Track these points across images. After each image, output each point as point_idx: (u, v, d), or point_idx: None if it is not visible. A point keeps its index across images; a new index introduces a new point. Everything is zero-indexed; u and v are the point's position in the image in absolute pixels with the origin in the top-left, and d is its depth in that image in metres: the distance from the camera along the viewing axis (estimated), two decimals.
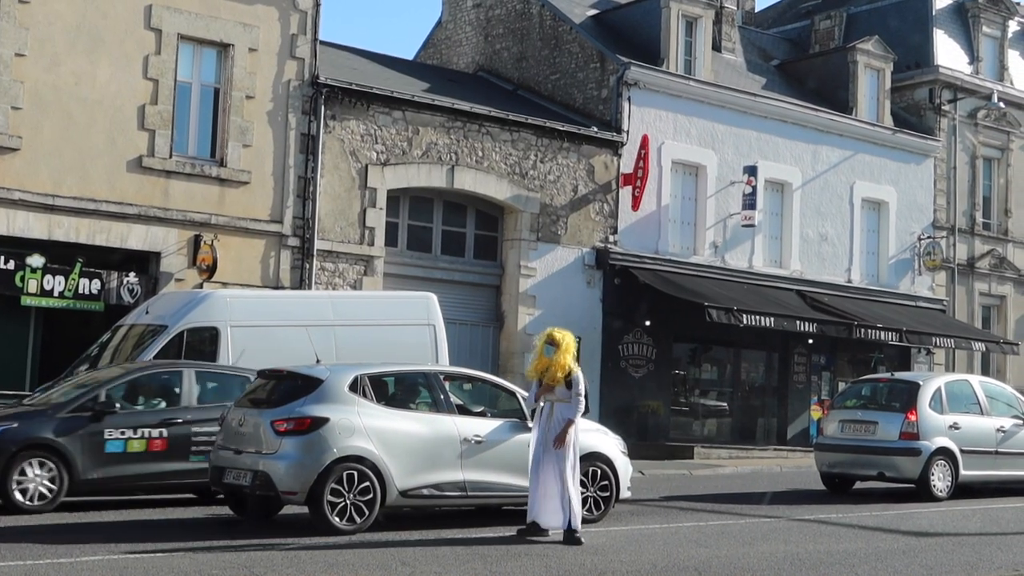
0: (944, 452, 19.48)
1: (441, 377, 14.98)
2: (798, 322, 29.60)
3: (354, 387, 13.86)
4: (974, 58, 37.54)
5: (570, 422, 13.18)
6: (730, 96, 31.59)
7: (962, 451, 19.63)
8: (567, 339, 13.33)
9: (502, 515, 14.78)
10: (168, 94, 23.20)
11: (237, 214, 23.80)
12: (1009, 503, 19.26)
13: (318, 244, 24.68)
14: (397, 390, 14.84)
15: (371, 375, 14.22)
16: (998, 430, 20.32)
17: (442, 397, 14.57)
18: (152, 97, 23.01)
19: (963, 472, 19.64)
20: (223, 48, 23.99)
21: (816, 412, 30.71)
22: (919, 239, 35.22)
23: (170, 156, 23.18)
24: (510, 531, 13.64)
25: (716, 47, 33.30)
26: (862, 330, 30.54)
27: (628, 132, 29.45)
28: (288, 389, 14.08)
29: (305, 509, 13.68)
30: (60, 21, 22.14)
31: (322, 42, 25.62)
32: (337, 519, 13.26)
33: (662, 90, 30.28)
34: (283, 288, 23.83)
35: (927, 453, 19.29)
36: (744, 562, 12.18)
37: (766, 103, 32.38)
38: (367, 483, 13.43)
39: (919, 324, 32.69)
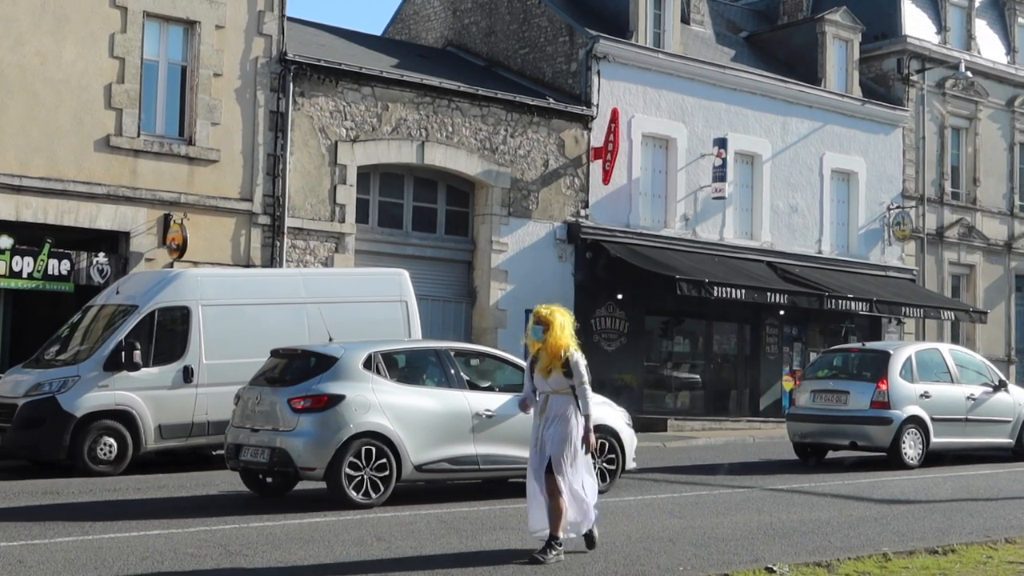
0: (915, 420, 19.64)
1: (452, 353, 15.22)
2: (769, 293, 29.69)
3: (368, 364, 14.18)
4: (942, 28, 37.67)
5: (588, 419, 10.83)
6: (699, 68, 31.59)
7: (933, 419, 19.80)
8: (558, 316, 10.94)
9: (509, 488, 14.89)
10: (135, 72, 23.04)
11: (207, 193, 23.68)
12: (979, 470, 19.46)
13: (289, 222, 24.58)
14: (409, 367, 15.13)
15: (384, 352, 14.56)
16: (968, 398, 20.49)
17: (453, 373, 14.81)
18: (119, 76, 22.84)
19: (934, 440, 19.82)
20: (189, 25, 23.82)
21: (788, 383, 30.85)
22: (888, 209, 35.36)
23: (138, 135, 23.03)
24: (494, 505, 13.82)
25: (685, 19, 33.27)
26: (833, 300, 30.68)
27: (598, 106, 29.42)
28: (303, 367, 14.44)
29: (316, 485, 14.00)
30: (24, 0, 21.93)
31: (289, 18, 25.50)
32: (355, 493, 13.58)
33: (631, 63, 30.26)
34: (254, 266, 23.74)
35: (898, 422, 19.44)
36: (718, 532, 12.26)
37: (735, 75, 32.40)
38: (383, 458, 13.77)
39: (889, 294, 32.87)
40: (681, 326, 32.42)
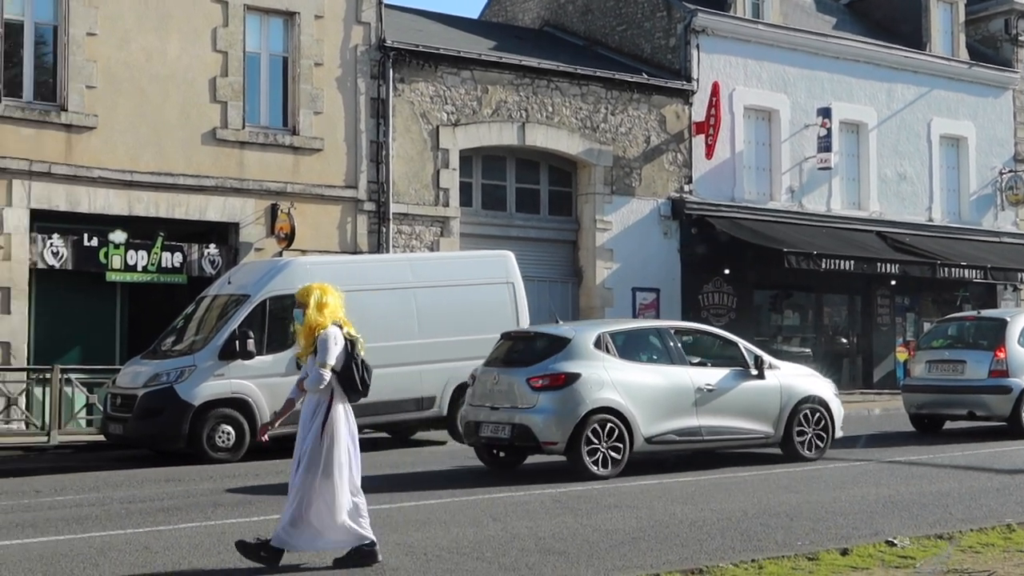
0: None
1: (672, 331, 15.99)
2: (879, 264, 29.24)
3: (598, 344, 14.99)
4: None
5: (285, 407, 9.67)
6: (800, 38, 31.15)
7: None
8: (315, 294, 9.47)
9: (725, 458, 15.94)
10: (238, 65, 23.36)
11: (312, 181, 23.96)
12: None
13: (393, 208, 24.77)
14: (635, 345, 15.66)
15: (612, 332, 15.35)
16: None
17: (674, 349, 15.57)
18: (222, 69, 23.18)
19: None
20: (289, 16, 24.08)
21: (902, 354, 30.33)
22: (1000, 174, 34.58)
23: (243, 127, 23.36)
24: (674, 479, 14.21)
25: None
26: (946, 269, 30.12)
27: (698, 80, 29.17)
28: (537, 348, 15.36)
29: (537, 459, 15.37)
30: None
31: (387, 5, 25.63)
32: (594, 466, 14.38)
33: (731, 35, 29.93)
34: (361, 253, 23.97)
35: (1017, 390, 19.03)
36: (836, 506, 12.11)
37: (837, 43, 31.88)
38: (617, 432, 14.54)
39: (1004, 260, 32.16)
40: (790, 299, 32.05)
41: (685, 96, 29.03)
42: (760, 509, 11.97)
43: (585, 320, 15.95)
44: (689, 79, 29.11)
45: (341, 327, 9.47)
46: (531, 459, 15.70)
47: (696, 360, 15.77)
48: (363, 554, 9.37)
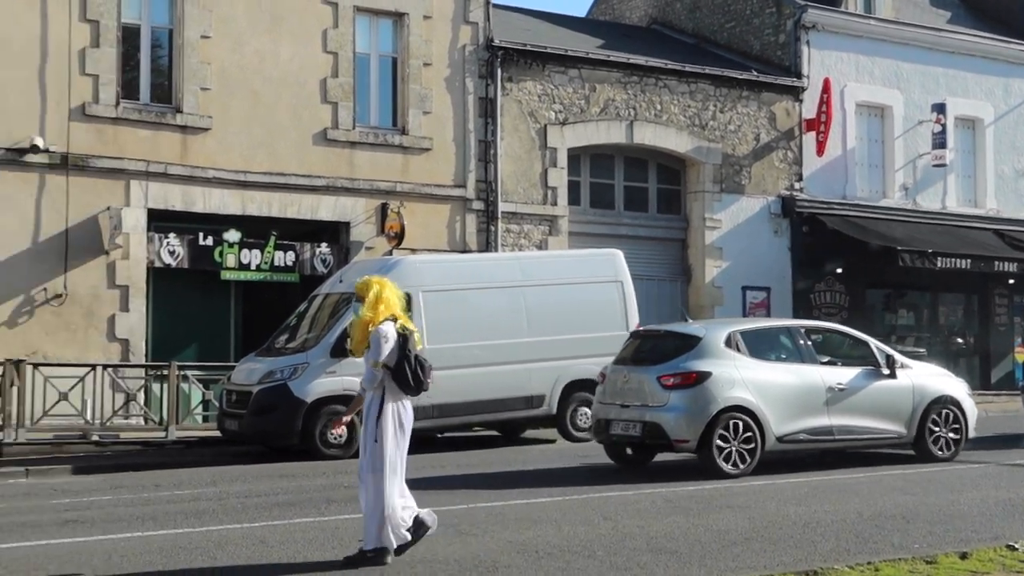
0: None
1: (803, 330, 15.94)
2: (997, 262, 28.65)
3: (728, 342, 15.01)
4: None
5: (358, 398, 9.64)
6: (913, 33, 30.61)
7: None
8: (373, 288, 9.47)
9: (863, 458, 15.78)
10: (348, 66, 23.61)
11: (421, 180, 24.13)
12: None
13: (502, 206, 24.85)
14: (765, 344, 15.66)
15: (742, 331, 15.35)
16: None
17: (804, 348, 15.53)
18: (333, 70, 23.45)
19: None
20: (398, 17, 24.28)
21: (1020, 355, 29.63)
22: None
23: (353, 127, 23.60)
24: (786, 479, 14.08)
25: None
26: None
27: (808, 76, 28.81)
28: (667, 347, 15.39)
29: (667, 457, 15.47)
30: (241, 2, 22.71)
31: (494, 5, 25.72)
32: (725, 464, 14.43)
33: (841, 31, 29.51)
34: (470, 251, 24.08)
35: None
36: (954, 509, 11.87)
37: (952, 38, 31.27)
38: (749, 431, 14.55)
39: None
40: (904, 298, 31.48)
41: (795, 93, 28.69)
42: (875, 511, 11.77)
43: (714, 319, 15.82)
44: (799, 76, 28.76)
45: (395, 321, 9.40)
46: (658, 457, 15.81)
47: (826, 359, 15.69)
48: (370, 558, 9.25)
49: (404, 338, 9.35)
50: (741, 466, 14.48)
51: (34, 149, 20.80)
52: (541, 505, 12.46)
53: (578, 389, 19.93)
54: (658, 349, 15.52)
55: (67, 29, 21.22)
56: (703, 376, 14.54)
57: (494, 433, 20.80)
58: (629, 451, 15.83)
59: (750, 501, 12.46)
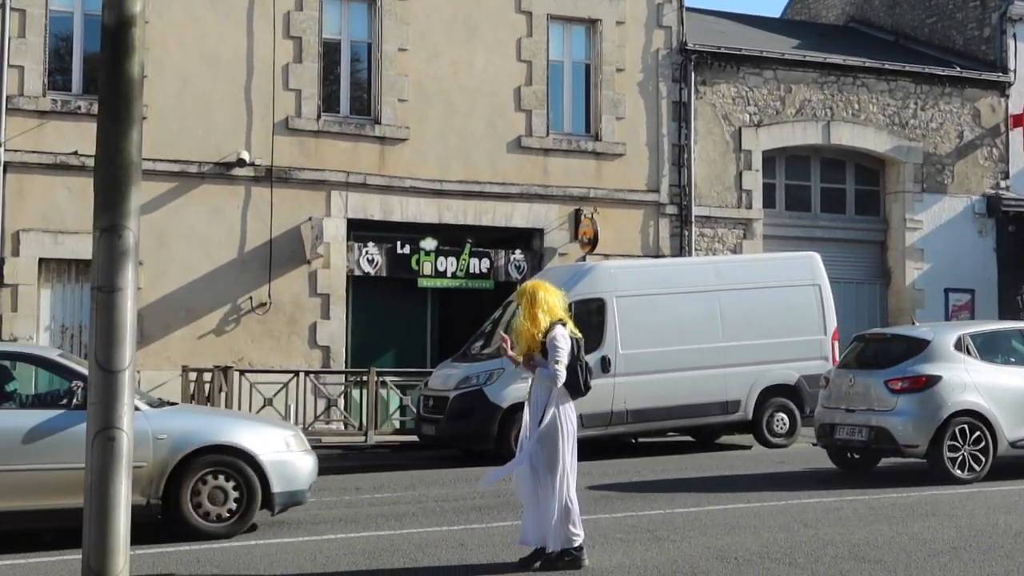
0: None
1: None
2: None
3: (958, 345, 14.75)
4: None
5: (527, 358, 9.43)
6: None
7: None
8: (528, 291, 9.56)
9: None
10: (541, 74, 23.79)
11: (614, 186, 24.15)
12: None
13: (696, 211, 24.68)
14: (995, 346, 15.38)
15: (972, 333, 15.06)
16: None
17: None
18: (527, 78, 23.66)
19: None
20: (591, 24, 24.35)
21: None
22: None
23: (547, 134, 23.77)
24: (995, 487, 13.77)
25: None
26: None
27: (1015, 71, 27.81)
28: (894, 351, 15.21)
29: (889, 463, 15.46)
30: (437, 14, 23.10)
31: (688, 8, 25.55)
32: (956, 470, 14.19)
33: None
34: (664, 256, 23.99)
35: None
36: None
37: None
38: (979, 435, 14.29)
39: None
40: None
41: (1001, 88, 27.74)
42: None
43: (942, 322, 15.48)
44: (1005, 70, 27.79)
45: (564, 325, 9.39)
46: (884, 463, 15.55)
47: None
48: (567, 561, 9.25)
49: (577, 343, 9.41)
50: (976, 470, 14.22)
51: (240, 163, 21.55)
52: (739, 511, 12.33)
53: (774, 394, 19.68)
54: (884, 353, 15.35)
55: (271, 46, 21.93)
56: (933, 380, 14.34)
57: (689, 439, 20.66)
58: (855, 456, 15.62)
59: (955, 510, 12.10)
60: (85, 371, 9.66)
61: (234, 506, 11.20)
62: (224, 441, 11.23)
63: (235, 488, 11.19)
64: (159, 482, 10.97)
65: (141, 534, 10.28)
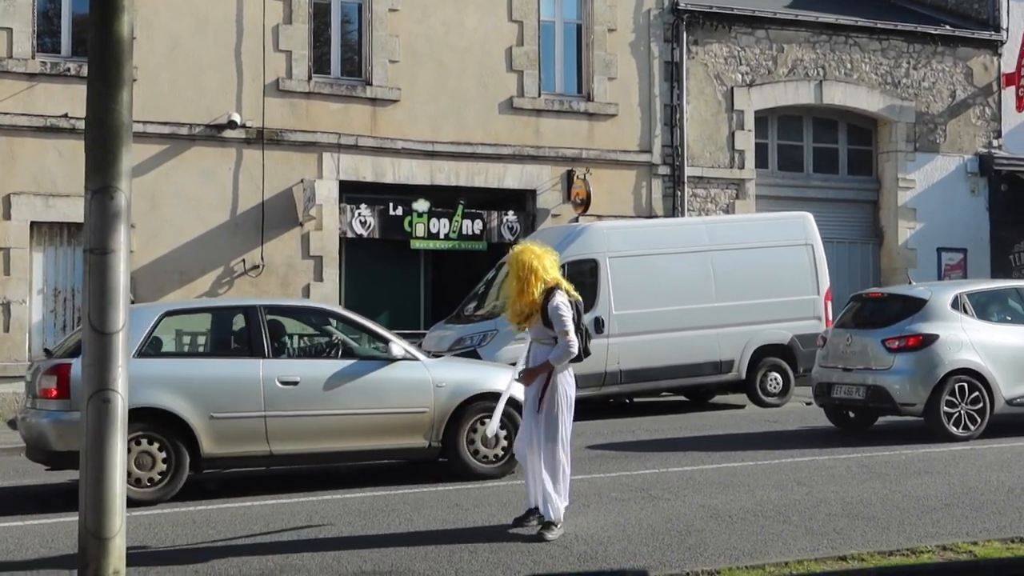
0: None
1: None
2: None
3: (955, 304, 14.80)
4: None
5: (543, 366, 9.20)
6: None
7: None
8: (522, 256, 9.32)
9: None
10: (533, 34, 23.68)
11: (607, 147, 24.09)
12: None
13: (688, 171, 24.64)
14: (992, 305, 15.40)
15: (969, 292, 15.11)
16: None
17: None
18: (518, 39, 23.55)
19: None
20: None
21: None
22: None
23: (539, 95, 23.68)
24: (987, 445, 13.79)
25: None
26: None
27: (1008, 30, 27.71)
28: (891, 310, 15.31)
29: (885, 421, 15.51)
30: None
31: None
32: (954, 428, 14.28)
33: None
34: (656, 217, 23.97)
35: None
36: None
37: None
38: (976, 393, 14.39)
39: None
40: None
41: (993, 47, 27.66)
42: None
43: (939, 281, 15.49)
44: (998, 29, 27.70)
45: (561, 288, 9.23)
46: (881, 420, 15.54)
47: None
48: (546, 524, 9.14)
49: (576, 307, 9.31)
50: (971, 428, 14.29)
51: (231, 125, 21.45)
52: (733, 470, 12.38)
53: (767, 354, 19.77)
54: (881, 312, 15.42)
55: (261, 6, 21.79)
56: (930, 339, 14.41)
57: (682, 399, 20.72)
58: (851, 414, 15.72)
59: (948, 467, 12.17)
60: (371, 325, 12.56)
61: (501, 453, 12.13)
62: (492, 389, 11.87)
63: (506, 436, 11.94)
64: (439, 426, 11.98)
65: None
